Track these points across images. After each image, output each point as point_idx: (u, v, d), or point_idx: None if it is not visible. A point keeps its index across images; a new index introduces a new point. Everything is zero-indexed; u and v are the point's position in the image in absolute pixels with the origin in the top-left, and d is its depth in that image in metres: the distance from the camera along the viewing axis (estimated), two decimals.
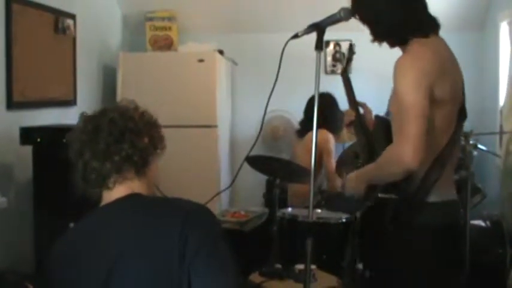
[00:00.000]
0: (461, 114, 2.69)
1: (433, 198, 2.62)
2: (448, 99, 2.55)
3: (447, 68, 2.57)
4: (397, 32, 2.67)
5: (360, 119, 3.49)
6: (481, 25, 6.65)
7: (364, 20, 2.75)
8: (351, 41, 6.76)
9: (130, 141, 2.07)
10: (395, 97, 2.60)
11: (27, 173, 4.64)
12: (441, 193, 2.64)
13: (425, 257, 2.66)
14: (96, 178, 2.08)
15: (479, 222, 5.12)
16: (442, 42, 2.67)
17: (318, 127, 2.64)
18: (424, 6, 2.71)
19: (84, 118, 2.15)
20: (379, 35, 2.74)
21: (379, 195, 2.81)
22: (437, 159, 2.60)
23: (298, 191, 5.15)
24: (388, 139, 2.73)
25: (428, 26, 2.68)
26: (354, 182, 2.96)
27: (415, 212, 2.63)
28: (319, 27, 2.58)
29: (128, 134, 2.07)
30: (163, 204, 2.10)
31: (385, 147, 2.69)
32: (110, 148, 2.05)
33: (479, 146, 4.92)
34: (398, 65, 2.56)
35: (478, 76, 6.47)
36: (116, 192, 2.09)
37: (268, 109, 2.95)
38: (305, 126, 5.41)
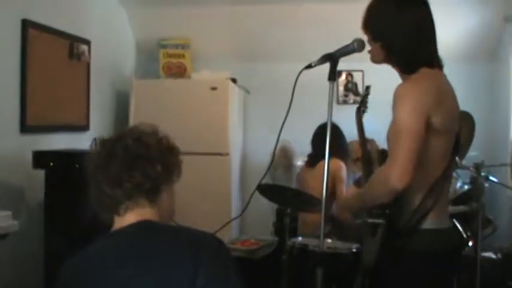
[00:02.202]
0: (455, 147, 2.69)
1: (426, 225, 2.61)
2: (443, 130, 2.55)
3: (444, 100, 2.55)
4: (409, 59, 2.67)
5: (366, 156, 3.51)
6: (493, 56, 6.66)
7: (377, 39, 2.73)
8: (362, 71, 6.81)
9: (142, 169, 2.06)
10: (392, 124, 2.60)
11: (38, 197, 4.65)
12: (435, 221, 2.62)
13: (418, 282, 2.65)
14: (109, 203, 2.09)
15: (490, 255, 5.08)
16: (443, 76, 2.68)
17: (330, 156, 2.64)
18: (434, 39, 2.71)
19: (102, 141, 2.15)
20: (389, 57, 2.73)
21: (368, 220, 2.81)
22: (432, 189, 2.59)
23: (309, 220, 5.14)
24: None
25: (434, 58, 2.68)
26: (346, 204, 2.98)
27: (408, 238, 2.61)
28: (332, 58, 2.58)
29: (141, 161, 2.07)
30: (175, 232, 2.08)
31: None
32: (122, 175, 2.05)
33: (491, 177, 4.90)
34: (397, 93, 2.57)
35: (489, 107, 6.48)
36: (127, 218, 2.08)
37: (280, 138, 2.95)
38: (314, 157, 5.42)
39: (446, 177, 2.65)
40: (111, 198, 2.08)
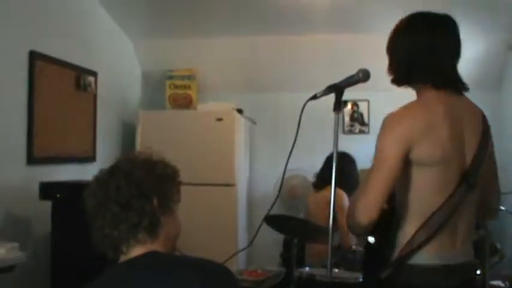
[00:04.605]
0: (466, 179, 2.52)
1: (416, 260, 2.49)
2: (430, 162, 2.45)
3: (435, 130, 2.46)
4: (414, 78, 2.64)
5: None
6: (498, 84, 6.69)
7: (390, 56, 2.72)
8: (368, 101, 6.82)
9: (138, 208, 2.05)
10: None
11: (45, 228, 4.65)
12: (429, 257, 2.50)
13: None
14: (109, 243, 2.08)
15: (499, 283, 5.04)
16: (448, 100, 2.57)
17: (330, 185, 2.63)
18: (448, 59, 2.66)
19: (96, 179, 2.14)
20: (399, 78, 2.71)
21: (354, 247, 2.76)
22: (427, 222, 2.47)
23: (316, 250, 5.12)
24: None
25: (446, 79, 2.62)
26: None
27: (395, 271, 2.52)
28: (337, 89, 2.57)
29: (135, 200, 2.05)
30: (183, 263, 2.06)
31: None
32: (117, 217, 2.04)
33: (500, 206, 4.88)
34: (383, 122, 2.51)
35: (496, 135, 6.43)
36: (131, 254, 2.07)
37: (288, 168, 2.95)
38: (322, 179, 5.42)
39: (450, 211, 2.48)
40: (110, 239, 2.07)
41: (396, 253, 2.53)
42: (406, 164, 2.46)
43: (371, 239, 2.68)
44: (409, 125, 2.47)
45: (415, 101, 2.61)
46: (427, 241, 2.48)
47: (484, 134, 2.63)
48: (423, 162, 2.46)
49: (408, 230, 2.51)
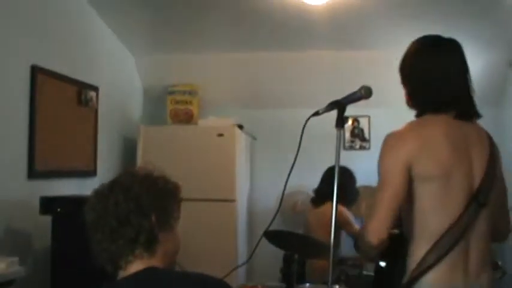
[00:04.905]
0: (476, 198, 2.50)
1: (424, 283, 2.47)
2: (431, 177, 2.46)
3: (432, 146, 2.48)
4: (417, 105, 2.67)
5: None
6: (498, 100, 6.71)
7: (402, 82, 2.76)
8: (369, 117, 6.82)
9: (136, 224, 2.04)
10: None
11: (45, 243, 4.64)
12: (438, 280, 2.46)
13: None
14: (108, 258, 2.08)
15: None
16: (446, 121, 2.58)
17: (329, 201, 2.63)
18: (449, 83, 2.68)
19: (95, 194, 2.14)
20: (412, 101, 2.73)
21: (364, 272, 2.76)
22: (437, 243, 2.45)
23: (317, 266, 5.11)
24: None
25: (450, 105, 2.63)
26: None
27: None
28: (339, 105, 2.57)
29: (133, 216, 2.05)
30: (182, 279, 2.06)
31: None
32: (115, 232, 2.04)
33: None
34: (382, 144, 2.57)
35: None
36: (129, 270, 2.07)
37: (288, 183, 2.94)
38: (321, 195, 5.42)
39: (460, 231, 2.45)
40: (108, 254, 2.07)
41: (406, 277, 2.52)
42: (409, 182, 2.48)
43: (382, 264, 2.68)
44: (408, 143, 2.50)
45: (415, 120, 2.64)
46: (436, 263, 2.45)
47: (492, 156, 2.62)
48: (423, 177, 2.47)
49: (417, 254, 2.50)
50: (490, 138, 2.71)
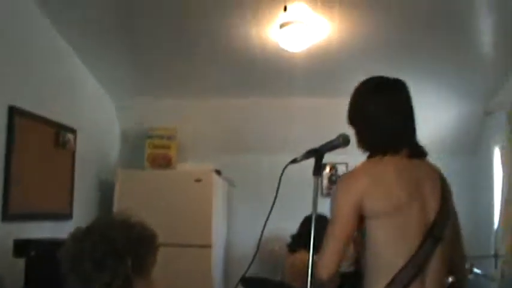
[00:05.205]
0: (431, 233, 2.51)
1: None
2: (384, 214, 2.48)
3: (383, 184, 2.51)
4: (370, 147, 2.70)
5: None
6: (475, 149, 6.78)
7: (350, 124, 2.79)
8: (347, 163, 6.83)
9: (111, 267, 2.02)
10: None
11: (18, 286, 4.57)
12: None
13: None
14: None
15: None
16: (396, 162, 2.60)
17: (305, 248, 2.63)
18: (395, 126, 2.69)
19: (72, 237, 2.12)
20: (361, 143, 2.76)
21: None
22: (394, 279, 2.45)
23: None
24: None
25: (401, 145, 2.66)
26: None
27: None
28: (317, 153, 2.59)
29: (109, 259, 2.03)
30: None
31: None
32: (91, 275, 2.02)
33: (475, 269, 4.88)
34: (337, 182, 2.67)
35: (472, 199, 6.51)
36: None
37: (265, 230, 2.93)
38: (297, 241, 5.41)
39: (417, 266, 2.45)
40: None
41: None
42: (361, 220, 2.51)
43: None
44: (359, 181, 2.55)
45: (367, 161, 2.69)
46: None
47: (444, 191, 2.65)
48: (376, 214, 2.50)
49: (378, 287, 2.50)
50: (440, 174, 2.73)
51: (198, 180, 6.29)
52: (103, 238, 2.06)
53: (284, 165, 2.63)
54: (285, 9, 4.68)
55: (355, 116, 2.77)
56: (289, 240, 5.64)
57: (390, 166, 2.56)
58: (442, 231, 2.53)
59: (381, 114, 2.67)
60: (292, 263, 5.30)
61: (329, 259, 2.49)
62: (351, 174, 2.67)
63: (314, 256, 2.43)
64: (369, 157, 2.70)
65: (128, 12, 5.24)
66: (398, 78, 2.78)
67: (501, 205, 5.69)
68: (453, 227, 2.68)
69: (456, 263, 2.79)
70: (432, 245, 2.49)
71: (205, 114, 6.93)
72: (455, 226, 2.76)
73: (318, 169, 2.60)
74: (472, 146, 6.76)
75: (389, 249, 2.50)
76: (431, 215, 2.54)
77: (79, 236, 2.10)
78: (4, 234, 4.64)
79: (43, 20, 5.30)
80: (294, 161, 2.67)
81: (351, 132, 2.65)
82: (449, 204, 2.65)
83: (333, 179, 6.99)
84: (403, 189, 2.51)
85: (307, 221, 5.43)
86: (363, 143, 2.73)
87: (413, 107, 2.75)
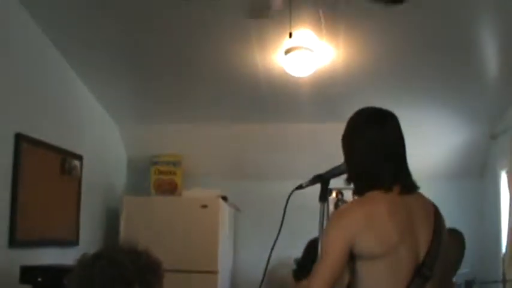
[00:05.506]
0: (420, 272, 2.46)
1: None
2: (378, 255, 2.42)
3: (377, 225, 2.44)
4: (358, 181, 2.65)
5: None
6: (481, 172, 6.78)
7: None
8: (353, 189, 6.81)
9: None
10: None
11: None
12: None
13: None
14: None
15: None
16: (391, 199, 2.52)
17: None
18: (390, 160, 2.60)
19: (80, 263, 2.12)
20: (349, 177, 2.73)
21: None
22: None
23: None
24: None
25: (391, 180, 2.56)
26: None
27: None
28: (323, 179, 2.59)
29: (117, 284, 2.04)
30: None
31: None
32: None
33: None
34: (330, 217, 2.61)
35: (479, 223, 6.50)
36: None
37: (272, 256, 2.93)
38: (302, 269, 5.38)
39: None
40: None
41: None
42: (351, 258, 2.46)
43: None
44: (348, 220, 2.48)
45: (360, 198, 2.60)
46: None
47: (437, 227, 2.57)
48: (366, 256, 2.44)
49: None
50: (435, 208, 2.66)
51: (204, 206, 6.29)
52: (111, 263, 2.06)
53: (290, 191, 2.63)
54: (290, 35, 4.70)
55: (346, 151, 2.71)
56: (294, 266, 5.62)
57: (383, 206, 2.48)
58: (431, 269, 2.48)
59: (367, 151, 2.60)
60: None
61: None
62: (343, 212, 2.64)
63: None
64: (360, 193, 2.63)
65: (134, 39, 5.27)
66: (389, 110, 2.69)
67: (508, 229, 5.67)
68: (444, 265, 2.62)
69: None
70: (421, 284, 2.45)
71: (210, 140, 6.94)
72: (446, 263, 2.72)
73: (324, 195, 2.60)
74: (478, 170, 6.76)
75: (390, 286, 2.45)
76: (422, 254, 2.49)
77: (87, 261, 2.10)
78: (11, 261, 4.64)
79: (50, 48, 5.34)
80: (300, 187, 2.67)
81: None
82: (441, 239, 2.58)
83: (339, 204, 6.96)
84: (395, 230, 2.44)
85: (310, 247, 5.41)
86: (354, 180, 2.66)
87: (403, 139, 2.66)
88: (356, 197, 2.64)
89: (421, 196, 2.65)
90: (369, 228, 2.43)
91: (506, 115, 6.04)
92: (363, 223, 2.44)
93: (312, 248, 5.27)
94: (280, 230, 2.73)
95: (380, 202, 2.49)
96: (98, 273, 2.03)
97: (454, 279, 4.86)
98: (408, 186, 2.59)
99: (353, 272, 2.49)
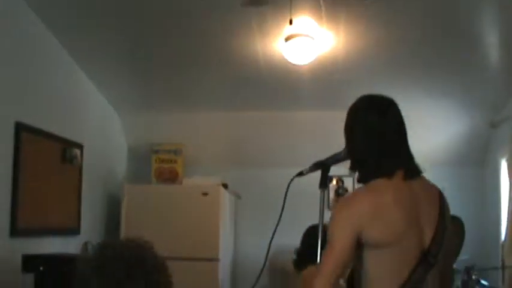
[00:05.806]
0: (425, 258, 2.48)
1: None
2: (383, 244, 2.43)
3: (384, 213, 2.43)
4: (362, 171, 2.63)
5: None
6: (482, 161, 6.80)
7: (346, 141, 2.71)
8: (353, 177, 6.83)
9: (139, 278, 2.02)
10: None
11: None
12: None
13: None
14: None
15: None
16: (398, 186, 2.52)
17: (314, 263, 2.61)
18: (395, 147, 2.61)
19: (83, 261, 2.11)
20: (352, 165, 2.71)
21: None
22: None
23: None
24: None
25: (395, 166, 2.56)
26: None
27: None
28: (323, 166, 2.59)
29: (121, 286, 2.03)
30: None
31: None
32: (123, 283, 2.01)
33: (482, 281, 4.88)
34: (335, 208, 2.55)
35: (479, 211, 6.52)
36: None
37: (273, 243, 2.93)
38: (302, 258, 5.38)
39: None
40: None
41: None
42: (358, 247, 2.46)
43: None
44: (356, 209, 2.47)
45: (364, 186, 2.59)
46: None
47: (441, 214, 2.58)
48: (374, 245, 2.45)
49: None
50: (439, 191, 2.66)
51: (205, 194, 6.30)
52: (120, 257, 2.05)
53: (290, 178, 2.63)
54: (291, 22, 4.69)
55: (348, 137, 2.69)
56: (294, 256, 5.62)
57: (388, 194, 2.47)
58: (436, 256, 2.49)
59: (369, 137, 2.59)
60: (299, 283, 5.25)
61: (324, 283, 2.42)
62: (348, 202, 2.63)
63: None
64: (364, 181, 2.62)
65: (135, 28, 5.27)
66: (390, 97, 2.69)
67: (508, 217, 5.68)
68: (447, 251, 2.63)
69: (445, 285, 2.75)
70: (425, 271, 2.46)
71: (211, 128, 6.94)
72: (450, 250, 2.70)
73: (324, 182, 2.60)
74: (479, 158, 6.77)
75: (386, 278, 2.47)
76: (427, 241, 2.50)
77: (100, 247, 2.10)
78: (12, 250, 4.65)
79: (50, 38, 5.33)
80: (300, 173, 2.67)
81: None
82: (446, 224, 2.58)
83: (340, 192, 6.98)
84: (402, 219, 2.44)
85: (309, 235, 5.41)
86: (358, 167, 2.64)
87: (405, 126, 2.65)
88: (361, 185, 2.62)
89: (425, 180, 2.64)
90: (376, 218, 2.43)
91: (507, 104, 6.05)
92: (370, 213, 2.43)
93: (311, 235, 5.28)
94: (280, 217, 2.74)
95: (385, 190, 2.49)
96: (112, 258, 2.03)
97: (454, 266, 4.87)
98: (412, 170, 2.59)
99: (359, 258, 2.49)
